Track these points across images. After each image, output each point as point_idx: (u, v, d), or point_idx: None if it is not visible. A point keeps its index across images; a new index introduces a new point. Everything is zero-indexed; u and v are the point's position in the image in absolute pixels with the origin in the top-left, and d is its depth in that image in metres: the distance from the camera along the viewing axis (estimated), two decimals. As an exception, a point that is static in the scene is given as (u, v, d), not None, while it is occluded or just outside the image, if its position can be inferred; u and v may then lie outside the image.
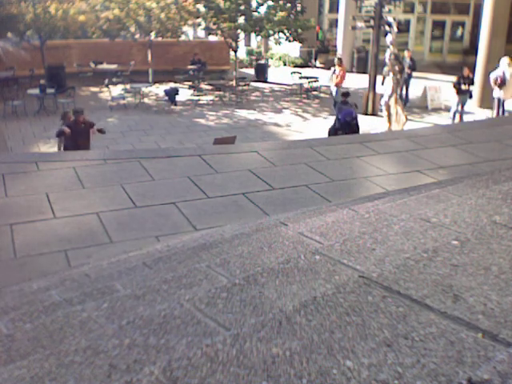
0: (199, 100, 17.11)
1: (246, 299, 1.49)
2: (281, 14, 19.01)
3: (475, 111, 14.27)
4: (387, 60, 12.25)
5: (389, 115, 12.50)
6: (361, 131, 11.63)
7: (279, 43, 20.76)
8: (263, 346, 1.13)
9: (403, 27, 18.52)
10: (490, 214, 1.96)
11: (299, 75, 18.51)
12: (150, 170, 5.11)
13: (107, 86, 16.03)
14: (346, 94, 10.53)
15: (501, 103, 12.73)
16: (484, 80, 14.77)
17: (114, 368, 1.23)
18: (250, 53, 27.09)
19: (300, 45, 22.68)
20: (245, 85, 17.84)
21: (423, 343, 1.10)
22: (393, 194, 3.71)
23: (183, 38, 24.48)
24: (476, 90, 15.11)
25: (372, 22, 14.61)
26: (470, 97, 12.88)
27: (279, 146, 6.75)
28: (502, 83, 12.46)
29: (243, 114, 15.36)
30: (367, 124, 13.30)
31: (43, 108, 14.60)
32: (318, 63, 25.57)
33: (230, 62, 22.84)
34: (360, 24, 15.43)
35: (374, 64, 14.51)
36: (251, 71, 22.85)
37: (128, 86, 16.63)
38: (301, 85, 18.11)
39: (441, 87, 15.56)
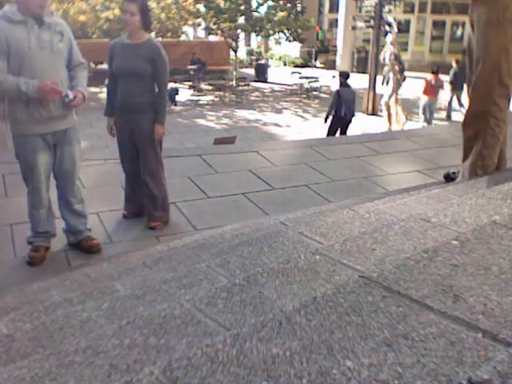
0: (199, 100, 17.12)
1: (246, 299, 1.49)
2: (281, 13, 19.03)
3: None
4: (387, 60, 12.25)
5: (389, 115, 12.50)
6: (361, 131, 11.65)
7: (279, 43, 20.78)
8: (263, 346, 1.13)
9: (403, 27, 18.53)
10: (490, 214, 1.96)
11: (299, 75, 18.51)
12: (150, 170, 5.10)
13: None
14: (345, 75, 9.26)
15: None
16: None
17: (114, 368, 1.23)
18: (250, 53, 27.10)
19: (300, 45, 22.68)
20: (245, 85, 17.85)
21: (423, 343, 1.10)
22: (393, 194, 3.71)
23: (183, 37, 24.51)
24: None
25: (372, 22, 14.61)
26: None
27: (279, 146, 6.76)
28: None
29: (243, 114, 15.37)
30: (367, 124, 13.30)
31: (43, 108, 14.61)
32: (318, 63, 25.56)
33: (230, 61, 22.85)
34: (360, 24, 15.44)
35: (374, 64, 14.51)
36: (251, 71, 22.85)
37: (128, 86, 16.65)
38: (301, 85, 18.11)
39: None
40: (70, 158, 3.39)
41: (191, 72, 19.40)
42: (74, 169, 3.44)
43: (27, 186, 3.37)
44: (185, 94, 17.17)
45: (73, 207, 3.49)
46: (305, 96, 17.79)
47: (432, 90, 12.55)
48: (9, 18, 3.03)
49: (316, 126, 13.47)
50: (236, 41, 19.80)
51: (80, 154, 3.52)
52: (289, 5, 19.31)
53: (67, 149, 3.37)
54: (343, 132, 9.34)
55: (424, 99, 12.47)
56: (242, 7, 19.14)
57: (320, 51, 25.63)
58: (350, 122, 9.23)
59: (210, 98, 17.59)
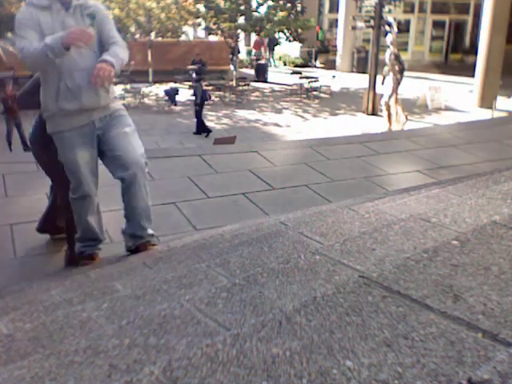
0: (199, 100, 17.09)
1: (246, 299, 1.49)
2: (281, 13, 19.02)
3: (475, 111, 14.27)
4: (387, 60, 12.26)
5: (389, 115, 12.50)
6: (361, 131, 11.65)
7: (279, 43, 20.77)
8: (263, 346, 1.13)
9: (403, 27, 18.52)
10: (490, 214, 1.96)
11: (299, 75, 18.51)
12: (150, 169, 5.08)
13: (107, 85, 15.97)
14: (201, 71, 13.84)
15: None
16: (484, 79, 14.78)
17: (114, 368, 1.23)
18: (250, 53, 27.08)
19: (300, 45, 22.67)
20: (245, 85, 17.84)
21: (423, 343, 1.10)
22: (393, 194, 3.71)
23: (183, 38, 24.49)
24: (476, 89, 15.12)
25: (372, 22, 14.61)
26: None
27: (279, 146, 6.76)
28: None
29: (243, 113, 15.37)
30: (367, 124, 13.31)
31: (43, 108, 14.60)
32: (318, 63, 25.54)
33: (229, 62, 22.83)
34: (360, 24, 15.43)
35: (374, 64, 14.50)
36: (251, 71, 22.84)
37: (128, 86, 16.65)
38: (301, 85, 18.10)
39: (441, 87, 15.57)
40: (124, 137, 3.01)
41: (190, 72, 19.40)
42: (135, 141, 3.06)
43: (74, 193, 3.12)
44: (185, 93, 17.16)
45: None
46: (305, 96, 17.79)
47: (258, 44, 24.52)
48: (34, 4, 2.89)
49: (316, 126, 13.48)
50: (236, 41, 19.80)
51: (134, 130, 3.12)
52: (289, 5, 19.31)
53: (116, 131, 3.01)
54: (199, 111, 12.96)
55: (253, 51, 24.68)
56: (242, 7, 19.13)
57: (320, 51, 25.63)
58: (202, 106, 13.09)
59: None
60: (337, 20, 24.34)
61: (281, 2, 19.27)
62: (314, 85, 17.85)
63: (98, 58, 2.87)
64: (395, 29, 12.45)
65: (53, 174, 3.41)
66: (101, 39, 2.96)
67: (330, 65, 23.96)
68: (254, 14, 19.47)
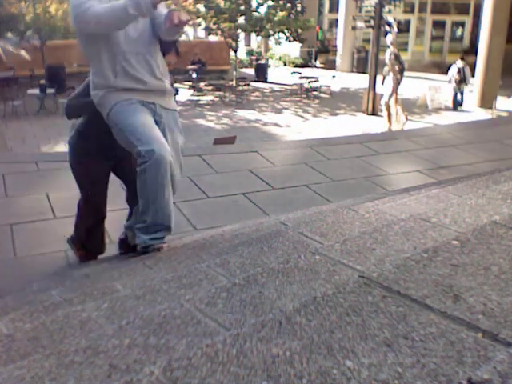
0: (199, 100, 17.11)
1: (246, 299, 1.49)
2: (281, 13, 19.01)
3: (475, 111, 14.27)
4: (387, 60, 12.25)
5: (389, 115, 12.50)
6: (361, 131, 11.66)
7: (279, 43, 20.77)
8: (263, 346, 1.13)
9: (403, 27, 18.53)
10: (490, 214, 1.96)
11: (299, 75, 18.50)
12: (150, 169, 5.10)
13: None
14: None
15: None
16: (484, 79, 14.78)
17: (114, 368, 1.23)
18: (249, 53, 27.09)
19: (300, 45, 22.67)
20: (245, 85, 17.83)
21: (423, 343, 1.10)
22: (393, 194, 3.71)
23: (183, 38, 24.48)
24: (476, 89, 15.13)
25: (372, 22, 14.61)
26: None
27: (279, 146, 6.76)
28: None
29: (243, 113, 15.36)
30: (367, 124, 13.30)
31: (43, 108, 14.60)
32: (318, 63, 25.53)
33: (229, 61, 22.83)
34: (360, 24, 15.43)
35: (374, 64, 14.50)
36: (251, 71, 22.84)
37: (128, 86, 16.65)
38: (301, 85, 18.10)
39: (441, 87, 15.57)
40: (176, 153, 2.86)
41: (191, 72, 19.39)
42: (178, 159, 2.90)
43: (144, 157, 2.62)
44: (185, 93, 17.15)
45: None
46: (305, 96, 17.78)
47: None
48: None
49: (316, 126, 13.47)
50: (236, 41, 19.80)
51: (182, 147, 3.01)
52: (289, 5, 19.30)
53: (172, 137, 2.88)
54: None
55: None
56: (242, 7, 19.12)
57: (320, 51, 25.63)
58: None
59: (210, 98, 17.57)
60: (337, 20, 24.33)
61: (281, 2, 19.26)
62: (314, 85, 17.84)
63: (151, 42, 2.79)
64: (395, 29, 12.45)
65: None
66: (153, 21, 2.80)
67: (330, 65, 23.96)
68: (254, 14, 19.45)
